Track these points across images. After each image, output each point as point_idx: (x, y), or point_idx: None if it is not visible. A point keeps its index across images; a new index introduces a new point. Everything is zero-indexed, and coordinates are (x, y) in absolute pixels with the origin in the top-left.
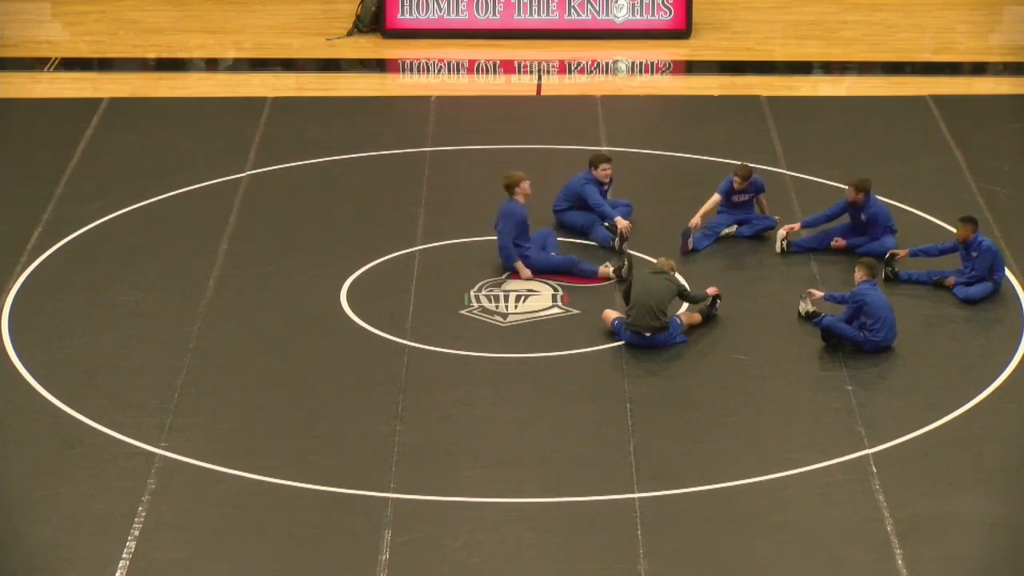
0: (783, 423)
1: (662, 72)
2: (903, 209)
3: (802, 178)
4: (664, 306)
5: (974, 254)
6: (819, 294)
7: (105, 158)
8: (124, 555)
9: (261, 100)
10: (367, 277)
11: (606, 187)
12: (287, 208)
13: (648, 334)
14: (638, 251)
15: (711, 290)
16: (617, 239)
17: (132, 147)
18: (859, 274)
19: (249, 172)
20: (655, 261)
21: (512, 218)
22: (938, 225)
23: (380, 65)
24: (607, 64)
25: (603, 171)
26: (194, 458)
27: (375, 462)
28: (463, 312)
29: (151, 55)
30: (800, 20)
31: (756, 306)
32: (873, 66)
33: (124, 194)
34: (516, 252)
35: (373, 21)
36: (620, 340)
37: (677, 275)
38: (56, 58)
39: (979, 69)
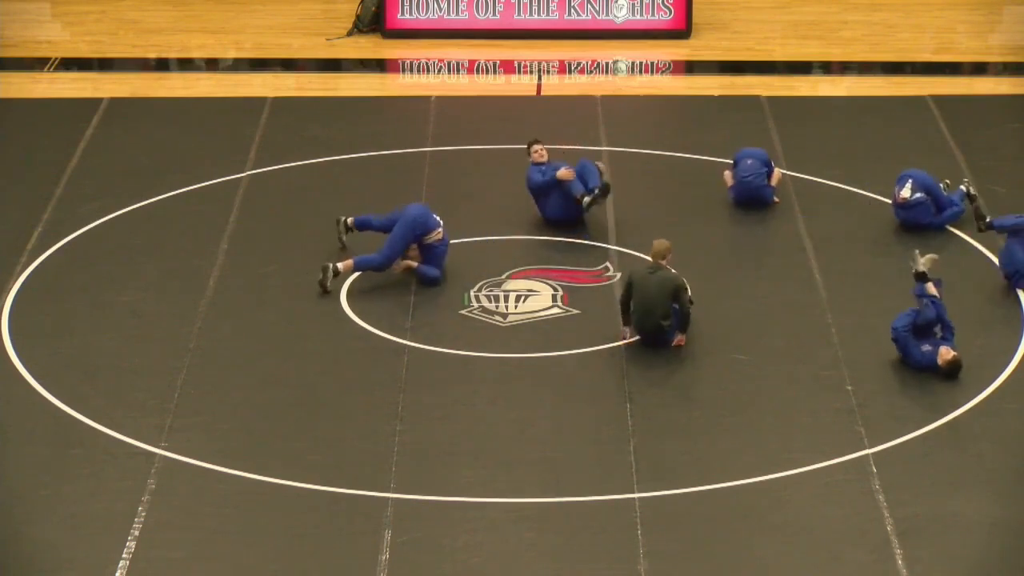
0: (783, 423)
1: (662, 72)
2: None
3: (802, 178)
4: (667, 308)
5: None
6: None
7: (105, 158)
8: (124, 555)
9: (261, 100)
10: (367, 277)
11: (544, 165)
12: (287, 208)
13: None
14: (638, 251)
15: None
16: (587, 196)
17: (132, 147)
18: (942, 363)
19: (249, 172)
20: (648, 254)
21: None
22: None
23: (380, 65)
24: (607, 64)
25: (536, 153)
26: (194, 458)
27: (375, 462)
28: (463, 312)
29: (151, 55)
30: (800, 20)
31: (756, 306)
32: (873, 66)
33: (124, 194)
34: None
35: (373, 21)
36: None
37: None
38: (56, 58)
39: (979, 69)
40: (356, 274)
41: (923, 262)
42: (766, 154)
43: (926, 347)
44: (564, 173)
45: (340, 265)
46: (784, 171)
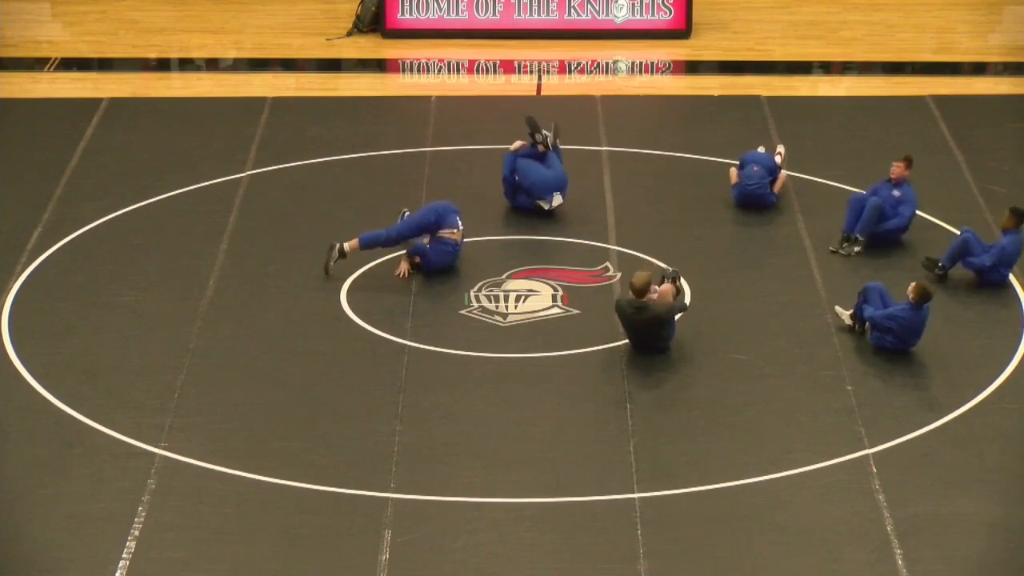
0: (783, 423)
1: (662, 72)
2: None
3: (802, 178)
4: (660, 336)
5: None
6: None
7: (105, 158)
8: (124, 555)
9: (261, 100)
10: (367, 277)
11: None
12: (287, 208)
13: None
14: (637, 251)
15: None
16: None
17: (132, 147)
18: (912, 296)
19: (249, 172)
20: (634, 276)
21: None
22: (937, 224)
23: (380, 65)
24: (607, 64)
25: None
26: (194, 458)
27: (375, 462)
28: (463, 312)
29: (151, 55)
30: (800, 20)
31: (756, 306)
32: (873, 66)
33: (124, 194)
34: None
35: (373, 21)
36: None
37: (653, 293)
38: (56, 58)
39: (979, 69)
40: (356, 274)
41: (844, 316)
42: (772, 160)
43: (902, 304)
44: (516, 145)
45: (347, 245)
46: (784, 171)
